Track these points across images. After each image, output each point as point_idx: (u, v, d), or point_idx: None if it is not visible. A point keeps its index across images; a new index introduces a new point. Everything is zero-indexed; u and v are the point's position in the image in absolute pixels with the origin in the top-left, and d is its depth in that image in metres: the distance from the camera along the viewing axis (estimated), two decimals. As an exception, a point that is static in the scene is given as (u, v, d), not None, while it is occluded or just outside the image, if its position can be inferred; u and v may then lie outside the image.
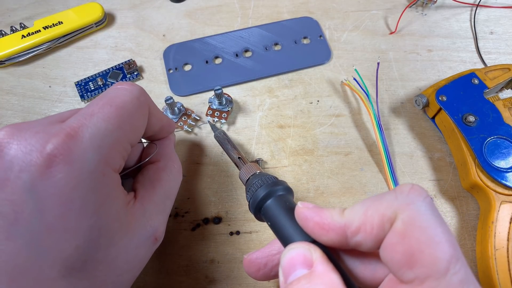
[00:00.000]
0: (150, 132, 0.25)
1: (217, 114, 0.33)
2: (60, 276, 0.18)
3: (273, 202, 0.20)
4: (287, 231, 0.18)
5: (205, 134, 0.33)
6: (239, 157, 0.27)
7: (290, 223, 0.18)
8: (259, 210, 0.21)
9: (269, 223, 0.20)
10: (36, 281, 0.17)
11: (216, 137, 0.31)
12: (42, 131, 0.18)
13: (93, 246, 0.18)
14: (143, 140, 0.28)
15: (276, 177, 0.23)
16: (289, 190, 0.21)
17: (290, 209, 0.19)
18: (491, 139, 0.28)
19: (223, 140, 0.30)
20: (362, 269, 0.18)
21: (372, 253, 0.18)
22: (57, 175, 0.17)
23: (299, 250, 0.16)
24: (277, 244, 0.20)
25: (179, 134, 0.33)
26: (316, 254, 0.16)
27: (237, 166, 0.27)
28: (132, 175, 0.25)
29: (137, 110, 0.22)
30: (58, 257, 0.17)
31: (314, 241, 0.17)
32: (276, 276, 0.20)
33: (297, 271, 0.16)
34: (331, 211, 0.17)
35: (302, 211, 0.17)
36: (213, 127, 0.32)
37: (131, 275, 0.22)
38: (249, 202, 0.22)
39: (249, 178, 0.24)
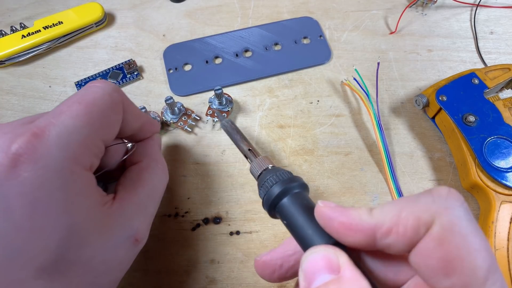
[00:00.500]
0: (129, 131, 0.24)
1: (217, 114, 0.33)
2: (32, 278, 0.17)
3: (289, 200, 0.19)
4: (307, 232, 0.17)
5: (205, 134, 0.33)
6: (249, 149, 0.26)
7: (309, 223, 0.18)
8: (273, 208, 0.20)
9: (285, 222, 0.19)
10: (8, 283, 0.17)
11: (223, 126, 0.29)
12: (10, 132, 0.18)
13: (64, 245, 0.18)
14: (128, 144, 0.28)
15: (291, 172, 0.22)
16: (305, 187, 0.21)
17: (308, 207, 0.18)
18: (491, 139, 0.28)
19: (231, 130, 0.28)
20: (384, 270, 0.17)
21: (396, 255, 0.17)
22: (22, 174, 0.17)
23: (323, 254, 0.15)
24: (292, 244, 0.19)
25: (180, 134, 0.33)
26: (342, 258, 0.15)
27: (248, 159, 0.26)
28: (117, 178, 0.25)
29: (109, 106, 0.21)
30: (28, 258, 0.17)
31: (336, 243, 0.16)
32: (291, 277, 0.19)
33: (322, 276, 0.15)
34: (359, 211, 0.16)
35: (325, 210, 0.16)
36: (220, 116, 0.30)
37: (112, 276, 0.21)
38: (262, 199, 0.21)
39: (261, 173, 0.23)
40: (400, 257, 0.17)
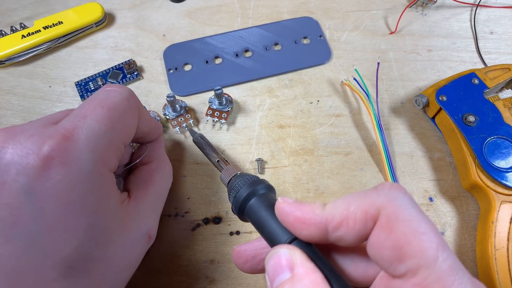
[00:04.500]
0: (139, 134, 0.25)
1: (217, 114, 0.33)
2: (60, 276, 0.18)
3: (255, 201, 0.20)
4: (270, 230, 0.18)
5: (205, 134, 0.33)
6: (218, 160, 0.28)
7: (273, 221, 0.18)
8: (242, 211, 0.21)
9: (253, 224, 0.20)
10: (37, 283, 0.17)
11: (194, 141, 0.31)
12: (36, 134, 0.18)
13: (92, 244, 0.19)
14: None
15: (257, 176, 0.23)
16: (270, 188, 0.22)
17: (271, 206, 0.19)
18: (491, 139, 0.28)
19: (202, 144, 0.30)
20: (353, 267, 0.18)
21: (362, 252, 0.18)
22: (55, 177, 0.17)
23: (280, 254, 0.16)
24: None
25: (180, 134, 0.33)
26: (296, 256, 0.16)
27: (218, 169, 0.27)
28: (122, 176, 0.26)
29: (128, 111, 0.22)
30: (58, 258, 0.18)
31: (295, 239, 0.17)
32: (262, 270, 0.20)
33: (281, 276, 0.16)
34: (312, 206, 0.17)
35: (282, 206, 0.17)
36: (191, 131, 0.32)
37: (128, 272, 0.22)
38: (232, 204, 0.22)
39: (230, 180, 0.24)
40: (366, 254, 0.17)
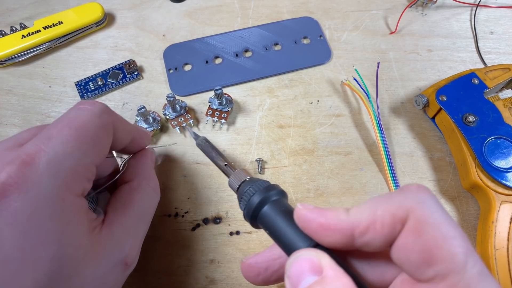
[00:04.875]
0: (120, 146, 0.24)
1: (217, 114, 0.33)
2: None
3: (269, 208, 0.19)
4: (288, 237, 0.18)
5: (205, 134, 0.33)
6: (225, 164, 0.27)
7: (290, 228, 0.18)
8: (255, 218, 0.20)
9: (267, 231, 0.19)
10: None
11: (198, 145, 0.30)
12: None
13: (55, 277, 0.18)
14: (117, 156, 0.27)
15: (268, 181, 0.22)
16: (283, 194, 0.21)
17: (288, 213, 0.19)
18: (491, 139, 0.28)
19: (206, 147, 0.29)
20: (371, 271, 0.17)
21: (380, 255, 0.17)
22: (12, 204, 0.17)
23: (304, 257, 0.16)
24: (278, 248, 0.19)
25: (179, 134, 0.33)
26: (324, 259, 0.15)
27: (225, 174, 0.26)
28: (109, 190, 0.24)
29: (99, 129, 0.21)
30: None
31: (317, 245, 0.17)
32: (276, 281, 0.19)
33: (306, 279, 0.15)
34: (336, 211, 0.16)
35: (304, 212, 0.17)
36: (194, 134, 0.31)
37: None
38: (243, 211, 0.21)
39: (239, 186, 0.23)
40: (384, 257, 0.17)
